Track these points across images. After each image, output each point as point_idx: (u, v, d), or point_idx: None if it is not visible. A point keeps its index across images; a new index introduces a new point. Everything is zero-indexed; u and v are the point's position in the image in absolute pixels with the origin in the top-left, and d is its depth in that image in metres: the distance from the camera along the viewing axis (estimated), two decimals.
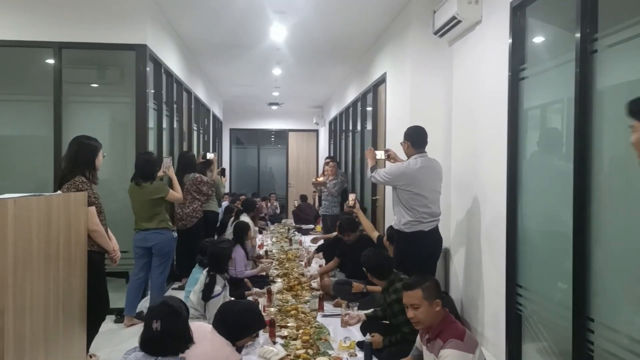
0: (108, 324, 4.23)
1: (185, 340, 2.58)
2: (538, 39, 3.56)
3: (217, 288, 4.04)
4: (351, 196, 5.64)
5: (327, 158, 9.17)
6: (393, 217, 4.39)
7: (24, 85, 5.30)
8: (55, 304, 2.79)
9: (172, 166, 5.24)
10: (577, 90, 2.79)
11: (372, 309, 4.40)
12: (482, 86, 4.17)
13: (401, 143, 4.29)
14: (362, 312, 4.41)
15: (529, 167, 3.52)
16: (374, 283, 4.68)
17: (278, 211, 13.00)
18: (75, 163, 3.48)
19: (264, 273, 6.13)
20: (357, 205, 5.50)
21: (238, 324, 3.05)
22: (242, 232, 5.98)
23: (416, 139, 4.19)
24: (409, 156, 4.22)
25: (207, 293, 3.99)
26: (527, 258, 3.51)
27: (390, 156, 4.54)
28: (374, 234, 5.29)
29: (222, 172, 8.24)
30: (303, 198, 12.20)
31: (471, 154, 4.38)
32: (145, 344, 2.51)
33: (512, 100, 3.62)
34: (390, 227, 5.03)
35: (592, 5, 2.71)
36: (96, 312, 3.50)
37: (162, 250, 4.65)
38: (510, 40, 3.63)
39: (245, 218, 6.82)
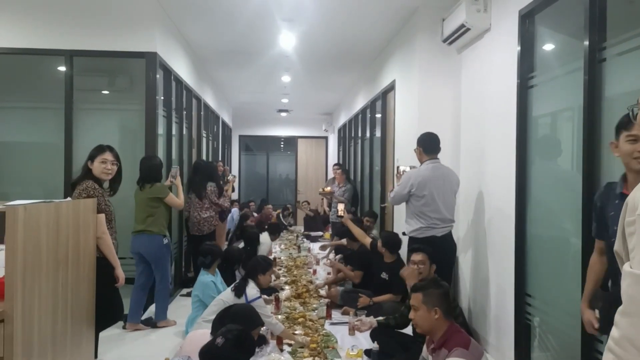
0: (114, 329, 4.24)
1: None
2: (547, 47, 3.55)
3: (254, 291, 4.14)
4: (340, 206, 5.77)
5: (335, 165, 9.18)
6: (404, 224, 4.41)
7: (35, 92, 5.36)
8: (64, 310, 2.80)
9: (179, 175, 5.26)
10: (585, 99, 2.78)
11: (382, 317, 4.38)
12: (491, 94, 4.16)
13: (414, 149, 4.37)
14: (374, 319, 4.39)
15: (538, 174, 3.50)
16: (381, 294, 4.69)
17: (289, 223, 12.43)
18: (88, 168, 3.51)
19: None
20: (346, 215, 5.60)
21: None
22: (253, 243, 6.04)
23: (428, 144, 4.28)
24: (421, 162, 4.31)
25: (240, 291, 4.10)
26: (536, 267, 3.49)
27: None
28: (366, 240, 5.31)
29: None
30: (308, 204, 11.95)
31: (479, 162, 4.37)
32: (204, 353, 2.67)
33: (520, 108, 3.61)
34: (386, 232, 5.07)
35: (600, 14, 2.71)
36: (110, 317, 3.52)
37: (151, 257, 4.60)
38: (519, 48, 3.62)
39: (265, 237, 6.86)
